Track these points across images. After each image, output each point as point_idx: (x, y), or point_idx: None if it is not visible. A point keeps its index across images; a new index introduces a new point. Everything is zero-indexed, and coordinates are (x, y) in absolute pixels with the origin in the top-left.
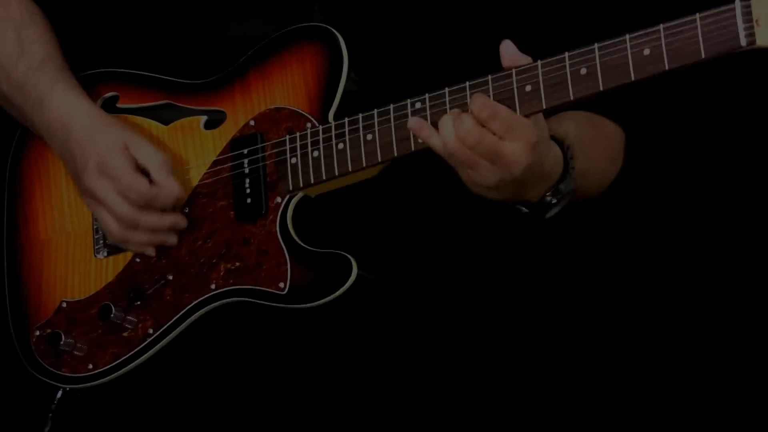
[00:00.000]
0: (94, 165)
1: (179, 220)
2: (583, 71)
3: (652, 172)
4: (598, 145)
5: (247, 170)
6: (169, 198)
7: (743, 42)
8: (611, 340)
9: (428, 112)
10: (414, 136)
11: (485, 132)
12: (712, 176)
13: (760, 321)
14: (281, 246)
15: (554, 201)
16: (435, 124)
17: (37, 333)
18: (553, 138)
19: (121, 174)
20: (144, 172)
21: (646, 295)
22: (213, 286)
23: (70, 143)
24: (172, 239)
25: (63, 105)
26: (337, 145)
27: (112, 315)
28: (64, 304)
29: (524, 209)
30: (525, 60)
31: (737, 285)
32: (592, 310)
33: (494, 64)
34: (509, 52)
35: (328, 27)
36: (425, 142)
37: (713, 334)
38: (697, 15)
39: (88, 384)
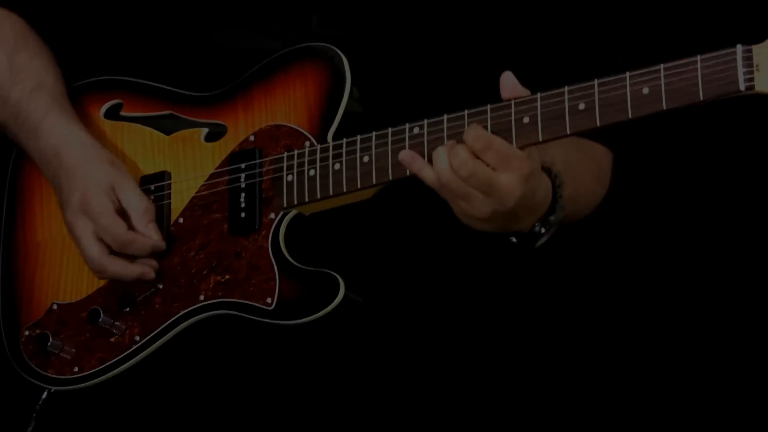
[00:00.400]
0: (77, 201)
1: (147, 272)
2: (582, 106)
3: (641, 191)
4: (586, 169)
5: (243, 185)
6: (145, 247)
7: (742, 87)
8: (597, 364)
9: (425, 138)
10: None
11: (479, 163)
12: (701, 192)
13: (756, 330)
14: (272, 262)
15: (543, 230)
16: (431, 151)
17: (27, 333)
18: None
19: (99, 215)
20: (125, 217)
21: (637, 308)
22: (202, 297)
23: (60, 173)
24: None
25: (56, 133)
26: (333, 165)
27: (100, 320)
28: (55, 306)
29: (513, 239)
30: (524, 92)
31: (726, 299)
32: (582, 334)
33: (494, 77)
34: (509, 84)
35: (333, 48)
36: (417, 175)
37: (703, 348)
38: (698, 57)
39: (73, 386)
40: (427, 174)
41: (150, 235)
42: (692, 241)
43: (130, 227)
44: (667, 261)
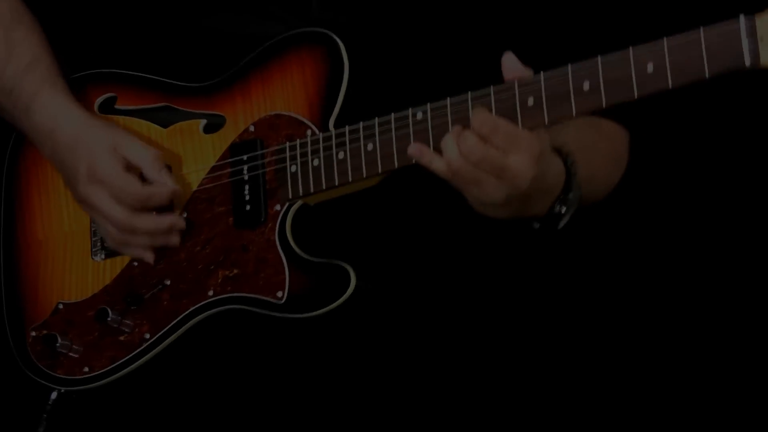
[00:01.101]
0: (85, 171)
1: (177, 221)
2: (586, 86)
3: (658, 171)
4: (601, 149)
5: (246, 177)
6: (164, 195)
7: (748, 62)
8: (613, 344)
9: (429, 123)
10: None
11: (489, 147)
12: (718, 174)
13: (760, 322)
14: (280, 254)
15: (563, 210)
16: (437, 136)
17: (33, 334)
18: (552, 148)
19: (112, 178)
20: (136, 172)
21: (650, 296)
22: (211, 293)
23: (58, 148)
24: (174, 240)
25: (49, 110)
26: (337, 154)
27: (108, 318)
28: (61, 306)
29: (536, 224)
30: (526, 72)
31: (745, 285)
32: (595, 315)
33: (497, 63)
34: (511, 65)
35: (330, 33)
36: (427, 167)
37: (716, 335)
38: (701, 28)
39: (84, 386)
40: (438, 165)
41: (166, 182)
42: (710, 229)
43: (143, 180)
44: (683, 249)
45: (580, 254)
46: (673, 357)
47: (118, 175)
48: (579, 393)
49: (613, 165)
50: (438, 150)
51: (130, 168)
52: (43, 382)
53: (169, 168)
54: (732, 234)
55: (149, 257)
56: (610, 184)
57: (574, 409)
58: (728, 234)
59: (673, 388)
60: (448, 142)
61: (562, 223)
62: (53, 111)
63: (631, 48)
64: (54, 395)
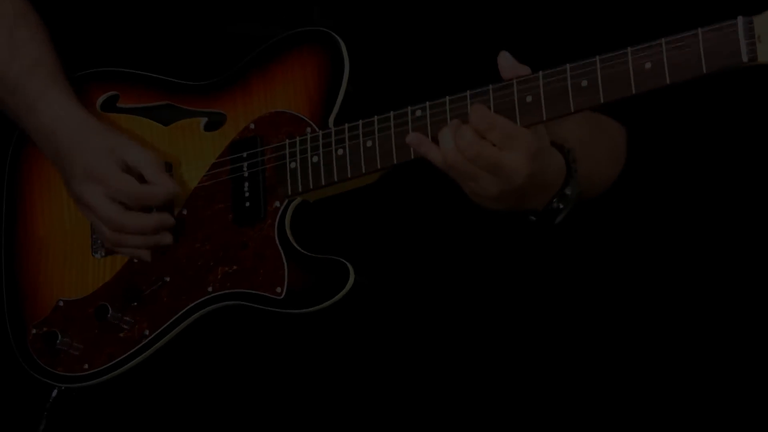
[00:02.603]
0: (81, 170)
1: (165, 219)
2: (584, 83)
3: (655, 169)
4: (600, 145)
5: (246, 174)
6: (161, 194)
7: (745, 58)
8: (611, 341)
9: (428, 121)
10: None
11: (485, 143)
12: (716, 173)
13: (760, 321)
14: (279, 250)
15: (561, 206)
16: (435, 133)
17: (34, 331)
18: (552, 144)
19: (108, 177)
20: (135, 174)
21: (647, 295)
22: (210, 289)
23: (60, 150)
24: (165, 239)
25: (53, 110)
26: (336, 150)
27: (108, 315)
28: (61, 303)
29: (532, 217)
30: (524, 70)
31: (740, 284)
32: (592, 312)
33: (495, 66)
34: (507, 63)
35: (331, 32)
36: (425, 157)
37: (713, 335)
38: (699, 30)
39: (83, 384)
40: (435, 156)
41: (164, 182)
42: (707, 228)
43: (142, 182)
44: (679, 249)
45: (577, 250)
46: (670, 355)
47: (115, 174)
48: (574, 388)
49: (611, 160)
50: (437, 143)
51: (129, 170)
52: (43, 379)
53: (169, 165)
54: (730, 233)
55: (145, 256)
56: (608, 180)
57: (568, 404)
58: (726, 232)
59: (672, 388)
60: (446, 135)
61: (558, 219)
62: (57, 112)
63: (629, 48)
64: (54, 393)
